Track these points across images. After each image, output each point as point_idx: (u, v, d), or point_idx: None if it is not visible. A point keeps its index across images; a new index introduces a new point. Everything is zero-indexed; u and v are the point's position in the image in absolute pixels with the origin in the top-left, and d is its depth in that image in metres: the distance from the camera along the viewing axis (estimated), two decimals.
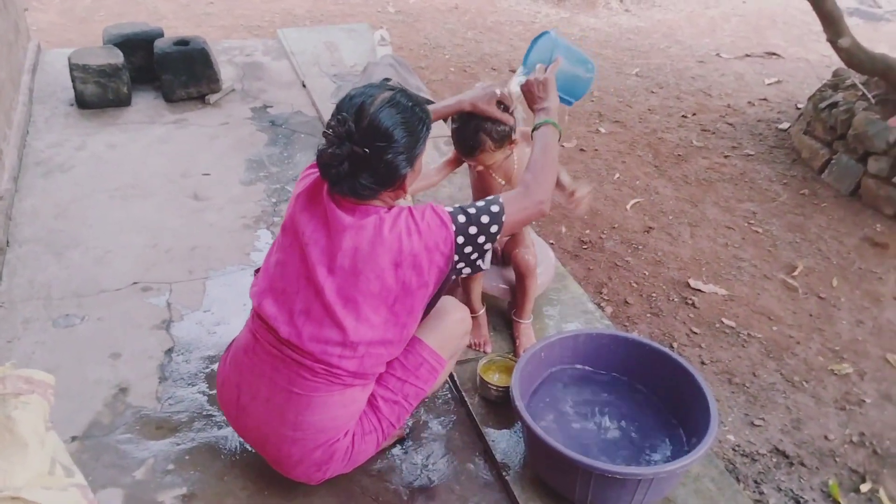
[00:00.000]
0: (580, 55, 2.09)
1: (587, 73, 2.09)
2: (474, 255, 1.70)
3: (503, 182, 2.29)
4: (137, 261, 2.82)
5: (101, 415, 2.12)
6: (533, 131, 1.91)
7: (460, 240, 1.67)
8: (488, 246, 1.71)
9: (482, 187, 2.35)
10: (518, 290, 2.38)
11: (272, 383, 1.73)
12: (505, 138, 2.15)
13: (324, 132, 1.63)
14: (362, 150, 1.57)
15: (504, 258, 2.46)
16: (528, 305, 2.39)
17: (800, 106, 4.90)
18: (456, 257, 1.68)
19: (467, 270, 1.74)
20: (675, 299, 3.03)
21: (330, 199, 1.68)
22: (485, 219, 1.69)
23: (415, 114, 1.65)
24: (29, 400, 1.80)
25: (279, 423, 1.73)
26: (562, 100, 2.00)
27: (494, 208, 1.70)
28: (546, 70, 1.97)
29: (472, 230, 1.68)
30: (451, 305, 1.90)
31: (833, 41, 4.03)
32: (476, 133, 2.11)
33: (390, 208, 1.69)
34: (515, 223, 1.75)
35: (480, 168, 2.27)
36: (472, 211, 1.70)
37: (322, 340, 1.65)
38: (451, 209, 1.70)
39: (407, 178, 1.67)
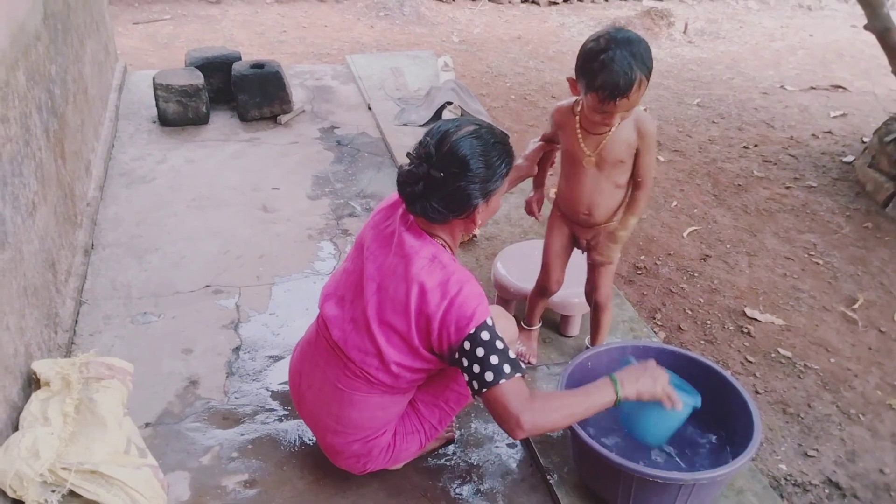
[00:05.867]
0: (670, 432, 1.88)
1: (655, 438, 1.89)
2: (463, 374, 1.65)
3: (590, 153, 2.07)
4: (210, 266, 3.00)
5: (172, 404, 2.27)
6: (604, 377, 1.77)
7: (466, 345, 1.63)
8: (476, 385, 1.62)
9: (568, 153, 2.15)
10: (592, 322, 2.47)
11: (324, 376, 1.84)
12: (652, 69, 1.86)
13: (407, 153, 1.71)
14: (438, 173, 1.63)
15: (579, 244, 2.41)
16: (603, 335, 2.47)
17: (865, 139, 4.81)
18: (456, 355, 1.65)
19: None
20: (731, 327, 3.01)
21: (402, 222, 1.75)
22: (494, 360, 1.61)
23: (496, 149, 1.67)
24: (110, 384, 1.96)
25: (325, 413, 1.84)
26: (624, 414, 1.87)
27: (506, 368, 1.62)
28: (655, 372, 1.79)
29: (480, 352, 1.62)
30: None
31: None
32: (630, 67, 1.79)
33: (455, 250, 1.76)
34: (492, 402, 1.63)
35: (566, 146, 2.11)
36: (497, 345, 1.63)
37: (363, 351, 1.74)
38: (491, 322, 1.65)
39: (478, 209, 1.69)
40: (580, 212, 2.21)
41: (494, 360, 1.62)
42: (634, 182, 2.14)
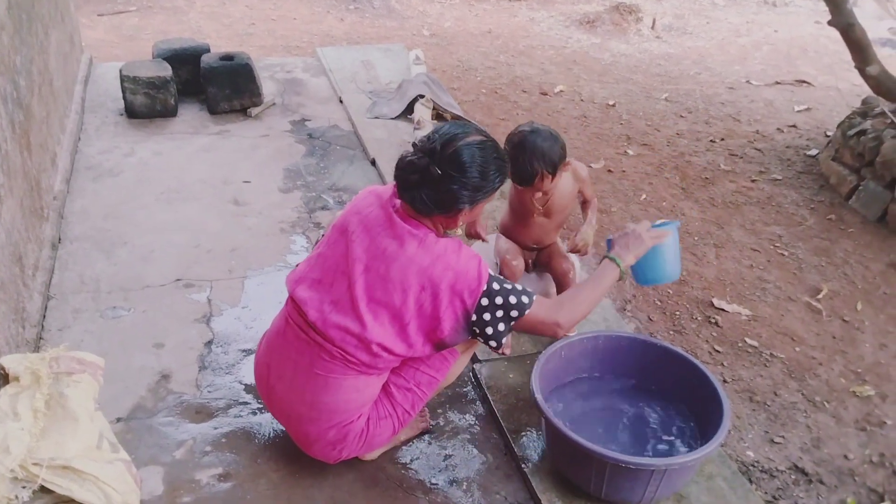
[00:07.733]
0: (678, 261, 2.08)
1: (668, 274, 2.07)
2: (488, 327, 1.79)
3: (539, 207, 2.37)
4: (181, 259, 2.97)
5: (144, 399, 2.25)
6: (602, 259, 1.97)
7: (484, 301, 1.77)
8: (502, 327, 1.80)
9: (520, 204, 2.44)
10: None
11: (296, 365, 1.85)
12: (558, 165, 2.19)
13: (413, 142, 1.80)
14: (436, 170, 1.71)
15: (536, 266, 2.61)
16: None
17: (829, 133, 4.92)
18: (474, 317, 1.78)
19: (478, 332, 1.82)
20: (699, 318, 3.06)
21: (388, 206, 1.81)
22: (513, 300, 1.79)
23: (495, 164, 1.78)
24: (80, 379, 1.93)
25: (299, 402, 1.86)
26: (636, 272, 2.03)
27: (525, 299, 1.80)
28: (648, 232, 1.98)
29: (499, 300, 1.78)
30: None
31: (861, 68, 4.07)
32: (531, 163, 2.14)
33: (441, 235, 1.81)
34: (530, 325, 1.84)
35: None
36: (507, 286, 1.80)
37: (342, 329, 1.77)
38: (492, 272, 1.81)
39: (462, 213, 1.79)
40: (527, 245, 2.53)
41: (513, 299, 1.79)
42: (582, 202, 2.52)
